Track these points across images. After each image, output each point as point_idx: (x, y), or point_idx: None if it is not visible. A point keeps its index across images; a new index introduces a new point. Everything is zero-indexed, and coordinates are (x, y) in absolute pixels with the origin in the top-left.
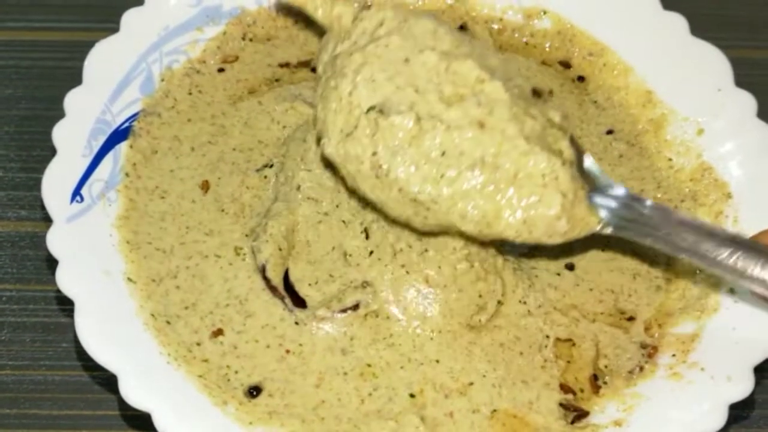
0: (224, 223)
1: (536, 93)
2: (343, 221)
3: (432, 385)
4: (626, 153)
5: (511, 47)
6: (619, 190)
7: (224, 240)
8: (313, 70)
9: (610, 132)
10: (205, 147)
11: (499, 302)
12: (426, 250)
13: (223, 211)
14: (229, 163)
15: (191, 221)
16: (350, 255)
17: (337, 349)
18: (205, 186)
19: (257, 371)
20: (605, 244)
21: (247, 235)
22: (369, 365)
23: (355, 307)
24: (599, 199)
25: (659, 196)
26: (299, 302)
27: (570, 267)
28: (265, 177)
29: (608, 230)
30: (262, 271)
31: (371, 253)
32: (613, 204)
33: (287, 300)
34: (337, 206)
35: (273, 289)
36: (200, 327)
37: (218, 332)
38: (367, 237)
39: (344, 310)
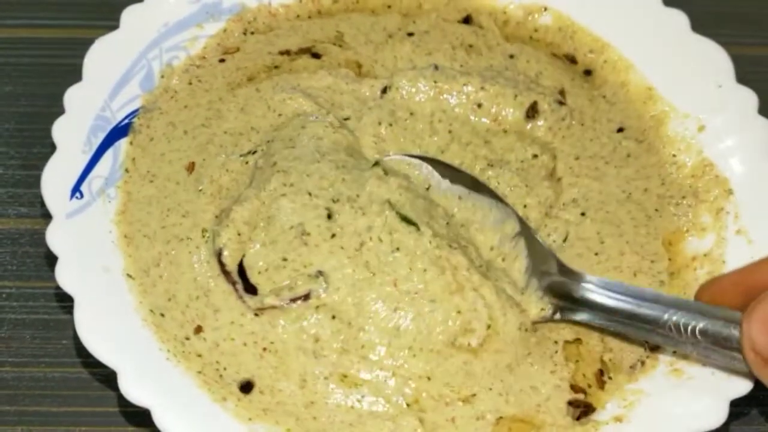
0: (200, 203)
1: (533, 110)
2: (309, 193)
3: (428, 395)
4: (635, 151)
5: (518, 39)
6: (585, 278)
7: (197, 221)
8: (313, 56)
9: (620, 130)
10: (197, 130)
11: (489, 326)
12: (397, 249)
13: (200, 191)
14: (217, 145)
15: (172, 203)
16: (308, 234)
17: (309, 350)
18: (191, 167)
19: (244, 368)
20: (599, 251)
21: (216, 216)
22: (345, 376)
23: (306, 296)
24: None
25: (662, 192)
26: (250, 289)
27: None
28: (247, 163)
29: (563, 317)
30: (218, 255)
31: (333, 236)
32: (575, 293)
33: (239, 285)
34: (308, 176)
35: (226, 273)
36: (184, 322)
37: (199, 329)
38: (329, 217)
39: (294, 300)
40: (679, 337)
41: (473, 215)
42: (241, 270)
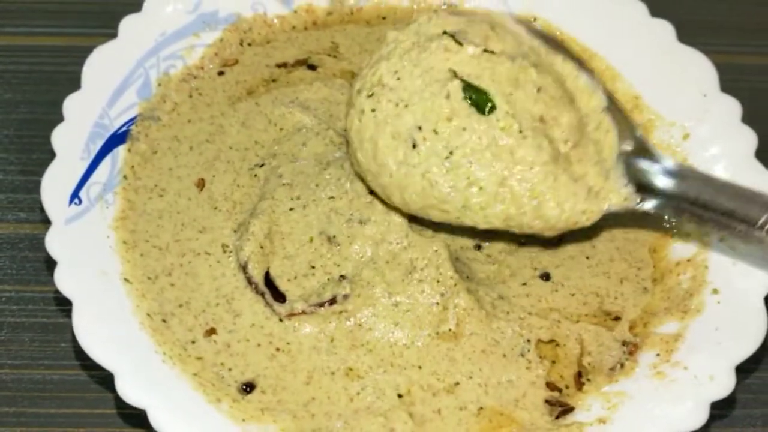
0: (217, 220)
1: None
2: (315, 202)
3: (419, 385)
4: None
5: None
6: (666, 163)
7: (215, 237)
8: (309, 67)
9: None
10: (203, 146)
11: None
12: (451, 153)
13: (216, 208)
14: (225, 161)
15: (186, 218)
16: (335, 236)
17: (322, 349)
18: (201, 184)
19: (250, 368)
20: (590, 254)
21: (235, 231)
22: (351, 369)
23: (332, 301)
24: (642, 175)
25: None
26: (279, 297)
27: (545, 277)
28: (256, 176)
29: (645, 207)
30: (244, 268)
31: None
32: (656, 179)
33: (267, 296)
34: (316, 185)
35: (253, 284)
36: (194, 325)
37: (211, 331)
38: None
39: (321, 305)
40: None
41: (563, 67)
42: (268, 280)
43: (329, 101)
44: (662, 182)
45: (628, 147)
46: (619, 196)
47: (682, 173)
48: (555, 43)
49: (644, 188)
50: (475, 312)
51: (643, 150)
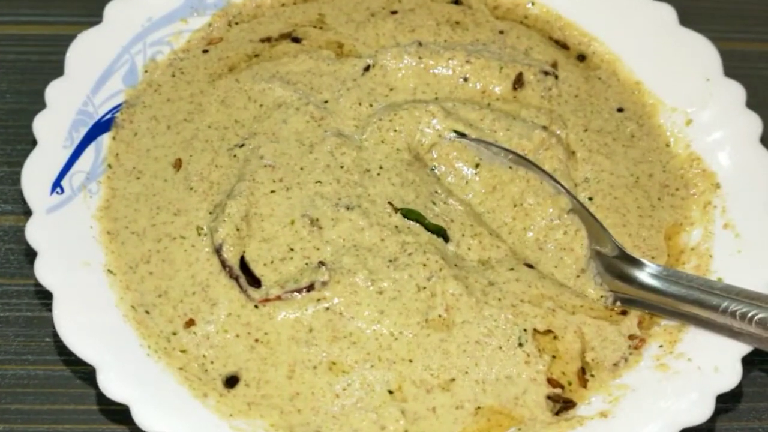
0: (192, 201)
1: (519, 81)
2: (300, 185)
3: (410, 381)
4: (637, 133)
5: (510, 20)
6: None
7: (190, 219)
8: (293, 40)
9: (620, 110)
10: (180, 125)
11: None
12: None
13: (191, 189)
14: (203, 140)
15: (162, 201)
16: (317, 219)
17: (301, 340)
18: (178, 164)
19: (232, 361)
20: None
21: (210, 213)
22: (334, 363)
23: (309, 288)
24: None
25: (663, 180)
26: (255, 282)
27: (530, 266)
28: (235, 156)
29: (613, 304)
30: (218, 251)
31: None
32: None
33: (241, 280)
34: (301, 169)
35: (228, 269)
36: (174, 317)
37: (190, 323)
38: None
39: (298, 291)
40: (739, 325)
41: (527, 184)
42: (243, 264)
43: (312, 73)
44: (644, 281)
45: (600, 248)
46: (595, 293)
47: (664, 274)
48: (516, 156)
49: (623, 284)
50: (464, 298)
51: (619, 254)
